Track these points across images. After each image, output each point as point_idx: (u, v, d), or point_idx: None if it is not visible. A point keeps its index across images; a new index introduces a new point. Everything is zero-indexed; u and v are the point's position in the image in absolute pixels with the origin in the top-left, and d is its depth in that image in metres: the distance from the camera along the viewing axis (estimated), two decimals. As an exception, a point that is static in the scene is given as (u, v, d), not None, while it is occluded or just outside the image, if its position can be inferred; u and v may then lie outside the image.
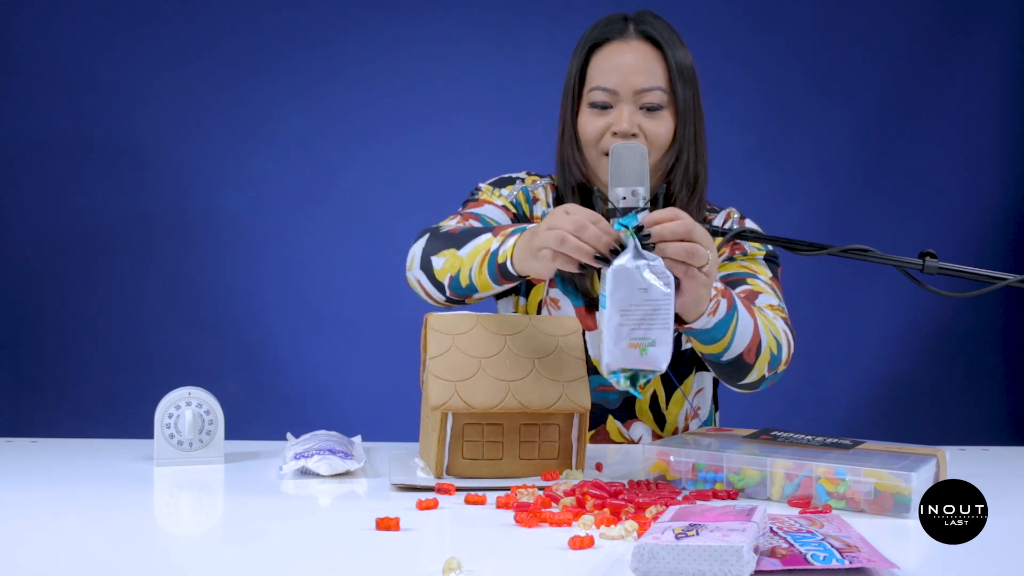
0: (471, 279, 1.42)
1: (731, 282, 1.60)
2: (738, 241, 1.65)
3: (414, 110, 2.90)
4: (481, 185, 1.72)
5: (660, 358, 1.19)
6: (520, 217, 1.68)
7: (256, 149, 2.89)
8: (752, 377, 1.47)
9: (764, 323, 1.46)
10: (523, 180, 1.72)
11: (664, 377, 1.65)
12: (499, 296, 1.74)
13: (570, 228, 1.23)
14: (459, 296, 1.46)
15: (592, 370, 1.63)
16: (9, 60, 2.81)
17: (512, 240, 1.36)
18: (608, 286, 1.18)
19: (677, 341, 1.64)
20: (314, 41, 2.89)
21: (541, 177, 1.74)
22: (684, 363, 1.67)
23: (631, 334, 1.18)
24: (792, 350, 1.52)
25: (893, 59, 2.97)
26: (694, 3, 2.79)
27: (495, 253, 1.38)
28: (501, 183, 1.71)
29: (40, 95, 2.82)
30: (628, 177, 1.37)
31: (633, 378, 1.20)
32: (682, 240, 1.22)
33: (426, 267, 1.48)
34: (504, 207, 1.67)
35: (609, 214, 1.37)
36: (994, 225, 3.01)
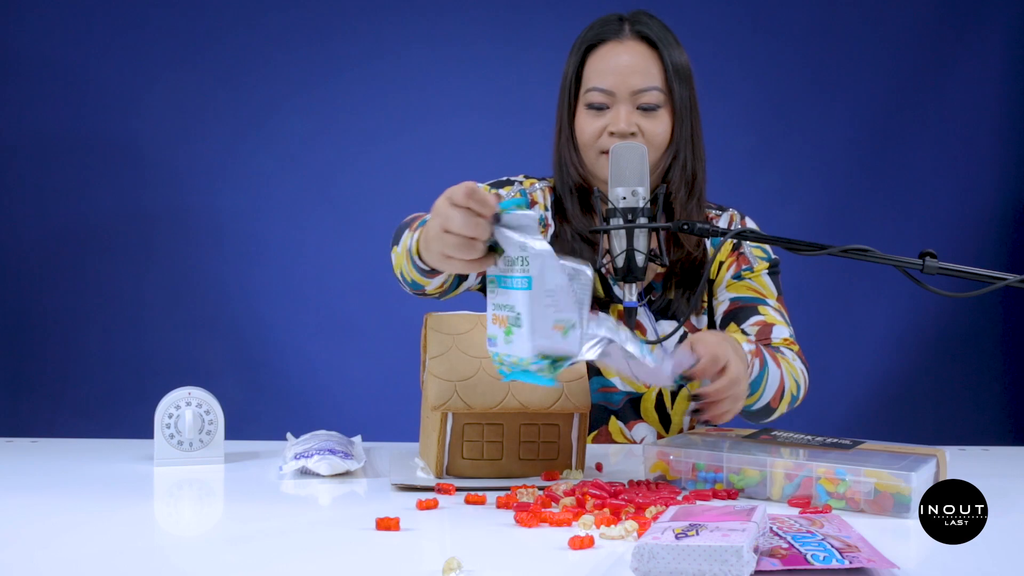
0: (411, 275, 1.39)
1: (741, 308, 1.62)
2: (742, 251, 1.66)
3: (414, 110, 2.89)
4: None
5: (578, 341, 1.16)
6: None
7: (256, 149, 2.88)
8: (773, 417, 1.53)
9: (788, 370, 1.51)
10: (521, 183, 1.72)
11: None
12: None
13: (440, 227, 1.14)
14: (416, 291, 1.44)
15: (594, 371, 1.63)
16: (9, 60, 2.81)
17: (419, 232, 1.29)
18: (534, 269, 1.12)
19: (685, 339, 1.64)
20: (314, 41, 2.89)
21: (539, 180, 1.74)
22: None
23: (556, 316, 1.14)
24: (808, 386, 1.58)
25: (893, 58, 2.97)
26: (694, 3, 2.79)
27: (410, 249, 1.34)
28: (499, 185, 1.71)
29: (40, 95, 2.82)
30: (628, 177, 1.37)
31: (554, 363, 1.15)
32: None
33: (391, 263, 1.47)
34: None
35: (609, 214, 1.38)
36: (994, 225, 3.01)
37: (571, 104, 1.62)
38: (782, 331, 1.62)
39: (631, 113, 1.57)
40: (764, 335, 1.60)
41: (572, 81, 1.62)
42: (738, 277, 1.66)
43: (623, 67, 1.57)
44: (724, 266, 1.68)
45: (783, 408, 1.52)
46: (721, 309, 1.65)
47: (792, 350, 1.59)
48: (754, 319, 1.61)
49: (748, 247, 1.68)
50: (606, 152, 1.55)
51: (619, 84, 1.57)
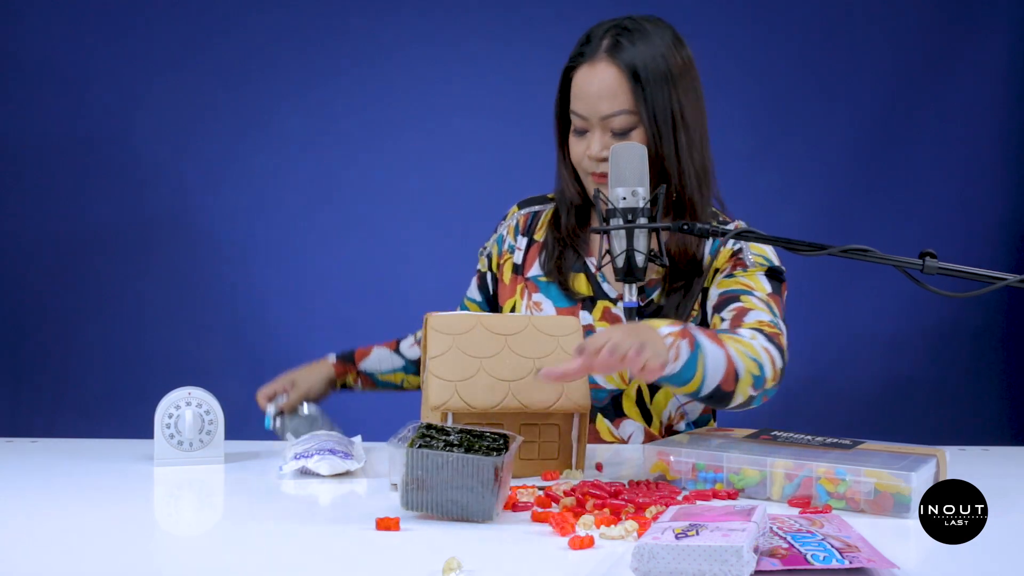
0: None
1: (726, 299, 1.57)
2: (740, 256, 1.64)
3: (414, 110, 2.89)
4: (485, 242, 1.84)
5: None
6: (487, 277, 1.79)
7: (256, 149, 2.88)
8: (737, 400, 1.41)
9: (737, 349, 1.39)
10: (504, 219, 1.79)
11: None
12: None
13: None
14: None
15: None
16: (8, 60, 2.81)
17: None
18: None
19: None
20: (314, 41, 2.89)
21: (524, 206, 1.78)
22: None
23: None
24: (779, 365, 1.46)
25: (894, 59, 2.97)
26: (694, 2, 2.79)
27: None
28: (492, 233, 1.80)
29: (39, 96, 2.82)
30: (628, 177, 1.37)
31: None
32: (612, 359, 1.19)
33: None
34: (479, 275, 1.80)
35: (609, 214, 1.38)
36: (994, 225, 3.01)
37: (561, 124, 1.65)
38: (759, 315, 1.52)
39: (604, 138, 1.56)
40: (738, 318, 1.52)
41: (558, 101, 1.64)
42: (730, 276, 1.63)
43: (592, 93, 1.55)
44: (720, 272, 1.66)
45: (746, 391, 1.39)
46: (710, 304, 1.61)
47: (762, 331, 1.48)
48: (733, 305, 1.54)
49: (750, 255, 1.64)
50: (593, 174, 1.58)
51: (589, 110, 1.56)
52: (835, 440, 1.32)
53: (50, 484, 1.32)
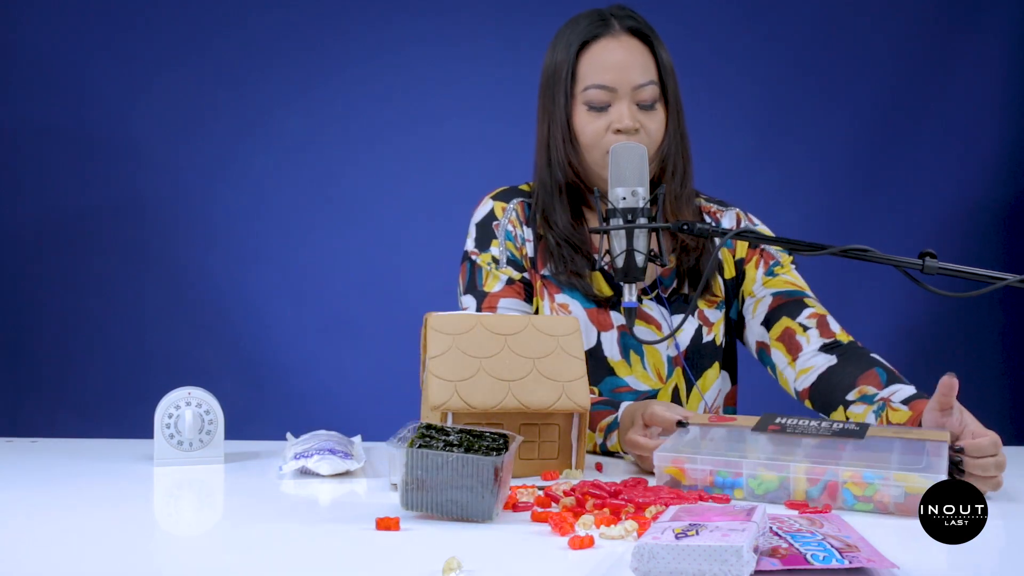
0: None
1: (787, 301, 1.63)
2: (766, 247, 1.66)
3: (414, 110, 2.89)
4: (475, 257, 1.66)
5: None
6: (522, 268, 1.65)
7: (256, 149, 2.88)
8: None
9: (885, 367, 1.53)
10: (495, 215, 1.67)
11: (684, 372, 1.65)
12: None
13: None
14: None
15: (608, 372, 1.61)
16: (7, 59, 2.81)
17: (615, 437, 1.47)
18: None
19: (699, 332, 1.64)
20: (314, 41, 2.89)
21: (507, 197, 1.70)
22: (705, 356, 1.66)
23: None
24: None
25: (893, 59, 2.97)
26: (696, 2, 2.79)
27: (602, 445, 1.50)
28: (485, 239, 1.66)
29: (38, 96, 2.82)
30: (628, 177, 1.37)
31: None
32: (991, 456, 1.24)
33: None
34: (511, 283, 1.63)
35: (609, 214, 1.38)
36: (994, 225, 3.01)
37: (568, 102, 1.60)
38: (834, 323, 1.63)
39: (632, 108, 1.57)
40: (823, 325, 1.61)
41: (568, 78, 1.60)
42: (771, 273, 1.66)
43: (621, 63, 1.56)
44: (748, 263, 1.68)
45: None
46: (764, 305, 1.64)
47: (852, 340, 1.62)
48: (807, 312, 1.62)
49: (773, 249, 1.69)
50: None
51: (619, 80, 1.56)
52: (842, 426, 1.28)
53: (50, 484, 1.32)
